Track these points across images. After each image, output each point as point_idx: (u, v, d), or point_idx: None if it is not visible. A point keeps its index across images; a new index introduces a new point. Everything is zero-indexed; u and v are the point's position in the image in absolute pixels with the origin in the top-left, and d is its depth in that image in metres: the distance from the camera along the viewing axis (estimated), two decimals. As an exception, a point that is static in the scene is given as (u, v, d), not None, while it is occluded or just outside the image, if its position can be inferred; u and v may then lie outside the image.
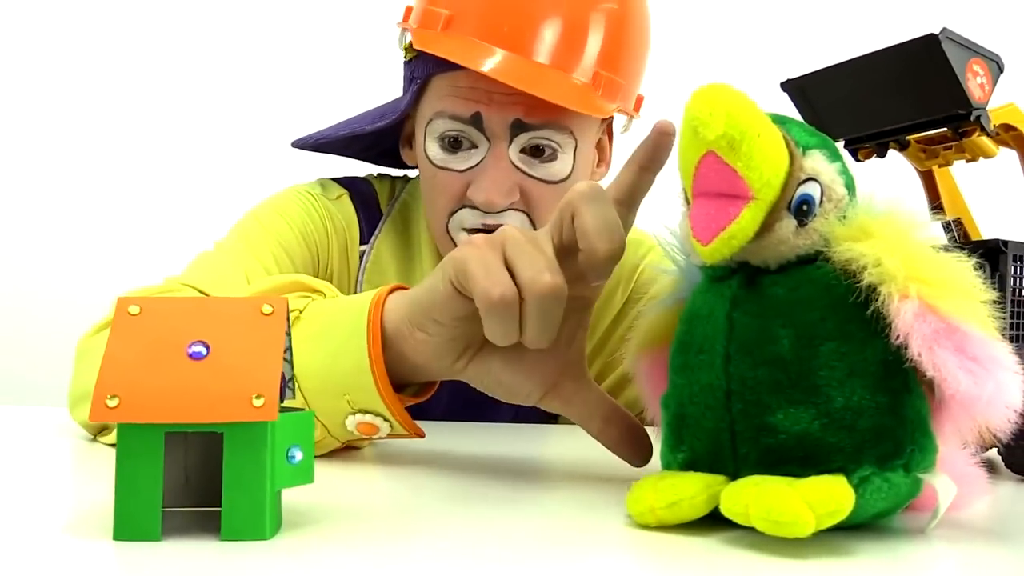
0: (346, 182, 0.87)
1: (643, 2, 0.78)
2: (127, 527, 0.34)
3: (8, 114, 1.57)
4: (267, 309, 0.37)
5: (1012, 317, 0.55)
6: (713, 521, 0.37)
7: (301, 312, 0.52)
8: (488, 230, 0.73)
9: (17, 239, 1.57)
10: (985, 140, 0.61)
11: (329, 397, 0.50)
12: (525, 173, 0.73)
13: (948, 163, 0.64)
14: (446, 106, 0.73)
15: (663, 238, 0.45)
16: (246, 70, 1.64)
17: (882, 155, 0.65)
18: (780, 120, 0.37)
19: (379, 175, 0.91)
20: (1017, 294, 0.56)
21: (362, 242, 0.84)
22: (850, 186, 0.39)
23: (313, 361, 0.50)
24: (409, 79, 0.77)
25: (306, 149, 0.87)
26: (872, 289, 0.35)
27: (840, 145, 0.51)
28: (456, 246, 0.74)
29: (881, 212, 0.38)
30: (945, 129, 0.61)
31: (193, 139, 1.62)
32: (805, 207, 0.37)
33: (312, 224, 0.82)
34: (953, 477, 0.38)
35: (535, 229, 0.74)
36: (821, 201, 0.37)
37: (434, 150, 0.74)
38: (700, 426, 0.38)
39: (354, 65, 1.61)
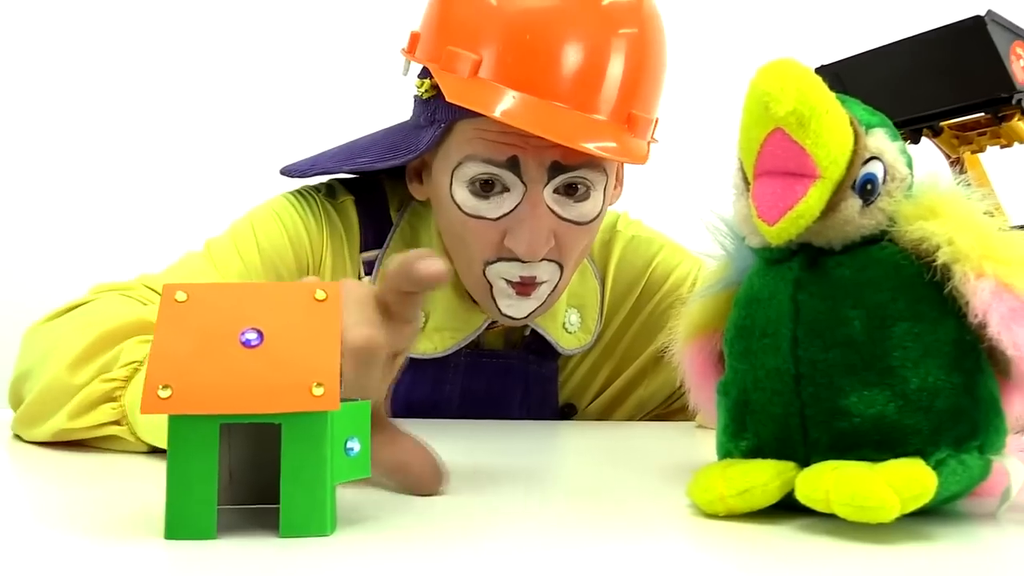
0: (355, 186, 0.85)
1: (662, 30, 0.76)
2: (180, 525, 0.33)
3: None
4: (320, 295, 0.36)
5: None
6: (780, 509, 0.36)
7: (141, 363, 0.56)
8: (524, 282, 0.73)
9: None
10: (1022, 125, 0.60)
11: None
12: (558, 216, 0.72)
13: (981, 149, 0.64)
14: (478, 150, 0.70)
15: (710, 223, 0.45)
16: (244, 70, 1.62)
17: (916, 141, 0.64)
18: (841, 99, 0.36)
19: (389, 177, 0.88)
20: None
21: (366, 248, 0.82)
22: (910, 165, 0.38)
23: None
24: (429, 119, 0.74)
25: (300, 176, 0.83)
26: (945, 268, 0.34)
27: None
28: (491, 293, 0.73)
29: (947, 191, 0.37)
30: (982, 114, 0.61)
31: (174, 142, 1.60)
32: (869, 186, 0.36)
33: (306, 229, 0.80)
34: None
35: (561, 273, 0.74)
36: (885, 180, 0.36)
37: (463, 195, 0.72)
38: (767, 412, 0.37)
39: (353, 71, 1.60)
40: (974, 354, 0.35)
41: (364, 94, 1.50)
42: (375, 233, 0.82)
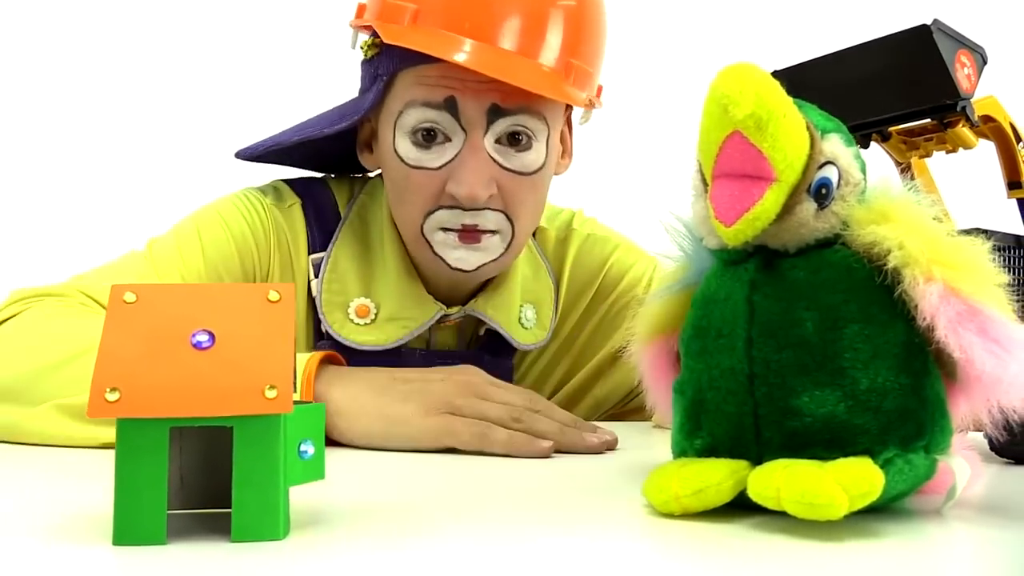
0: (302, 188, 0.84)
1: None
2: (129, 531, 0.32)
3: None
4: (274, 296, 0.35)
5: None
6: (734, 508, 0.36)
7: None
8: (468, 230, 0.72)
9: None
10: (967, 131, 0.62)
11: None
12: (501, 166, 0.72)
13: (928, 154, 0.65)
14: (417, 95, 0.71)
15: (668, 224, 0.45)
16: (200, 67, 1.60)
17: (865, 146, 0.65)
18: (798, 104, 0.37)
19: (336, 176, 0.88)
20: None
21: (314, 250, 0.80)
22: (863, 170, 0.39)
23: None
24: (372, 77, 0.74)
25: (253, 160, 0.83)
26: (896, 272, 0.35)
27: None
28: (432, 249, 0.73)
29: (898, 196, 0.38)
30: (929, 120, 0.62)
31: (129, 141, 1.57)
32: (824, 190, 0.37)
33: (252, 234, 0.79)
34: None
35: (512, 226, 0.73)
36: (839, 185, 0.37)
37: (405, 147, 0.72)
38: (721, 411, 0.38)
39: (307, 64, 1.58)
40: (922, 356, 0.36)
41: (330, 81, 1.49)
42: (323, 234, 0.81)
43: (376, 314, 0.78)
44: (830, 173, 0.37)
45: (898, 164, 0.67)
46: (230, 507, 0.33)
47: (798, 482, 0.32)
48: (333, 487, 0.44)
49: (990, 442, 0.56)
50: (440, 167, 0.71)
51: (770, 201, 0.35)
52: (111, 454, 0.33)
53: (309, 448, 0.35)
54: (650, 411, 0.53)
